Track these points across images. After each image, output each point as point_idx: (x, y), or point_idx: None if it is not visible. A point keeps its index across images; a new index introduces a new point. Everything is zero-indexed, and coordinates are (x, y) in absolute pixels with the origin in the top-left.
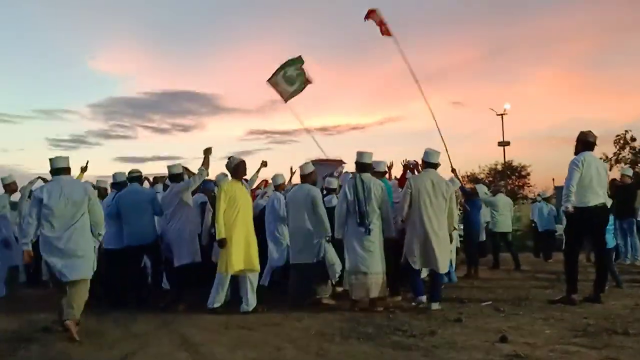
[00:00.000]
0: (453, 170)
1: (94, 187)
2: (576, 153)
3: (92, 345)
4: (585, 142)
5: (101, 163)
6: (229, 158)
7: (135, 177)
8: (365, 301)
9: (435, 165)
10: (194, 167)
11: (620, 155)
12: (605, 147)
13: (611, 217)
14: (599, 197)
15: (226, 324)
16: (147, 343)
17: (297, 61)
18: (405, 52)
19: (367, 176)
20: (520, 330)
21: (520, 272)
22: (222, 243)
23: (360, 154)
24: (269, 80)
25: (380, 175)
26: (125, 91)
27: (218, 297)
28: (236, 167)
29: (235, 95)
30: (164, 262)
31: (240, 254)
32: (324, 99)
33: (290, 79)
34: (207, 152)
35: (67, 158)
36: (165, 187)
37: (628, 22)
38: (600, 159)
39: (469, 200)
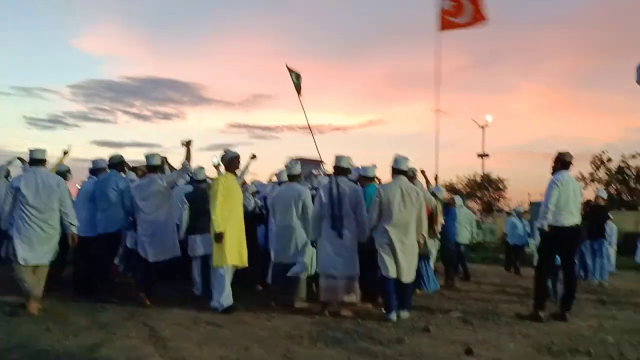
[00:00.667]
0: (422, 172)
1: (69, 171)
2: (554, 172)
3: (57, 334)
4: (563, 162)
5: (78, 145)
6: (225, 151)
7: (116, 164)
8: (335, 305)
9: (404, 172)
10: (173, 156)
11: (596, 175)
12: (581, 166)
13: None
14: (574, 217)
15: (195, 320)
16: (114, 334)
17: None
18: (394, 58)
19: (343, 180)
20: (486, 344)
21: (490, 285)
22: (220, 237)
23: (338, 158)
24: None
25: (369, 180)
26: (107, 74)
27: (225, 294)
28: (231, 161)
29: (218, 87)
30: (131, 253)
31: (234, 248)
32: (308, 97)
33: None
34: (188, 144)
35: (44, 151)
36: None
37: (612, 44)
38: (575, 177)
39: (445, 209)
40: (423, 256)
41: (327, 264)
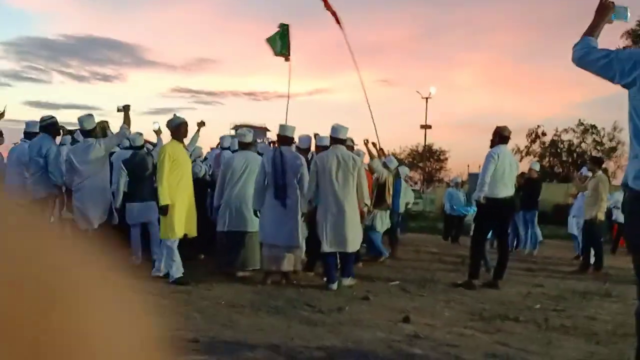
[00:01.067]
0: (373, 144)
1: (1, 134)
2: (492, 146)
3: None
4: (501, 136)
5: (10, 105)
6: (173, 116)
7: (46, 126)
8: (277, 274)
9: (342, 141)
10: (113, 119)
11: (531, 149)
12: (517, 139)
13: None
14: (508, 189)
15: (134, 289)
16: None
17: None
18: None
19: (287, 149)
20: (422, 311)
21: (429, 254)
22: (165, 210)
23: (282, 127)
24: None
25: (305, 152)
26: (41, 31)
27: (176, 266)
28: (177, 127)
29: (161, 49)
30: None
31: (182, 219)
32: (253, 63)
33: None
34: (127, 109)
35: None
36: (74, 140)
37: (554, 20)
38: (512, 150)
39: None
40: (370, 228)
41: (270, 234)
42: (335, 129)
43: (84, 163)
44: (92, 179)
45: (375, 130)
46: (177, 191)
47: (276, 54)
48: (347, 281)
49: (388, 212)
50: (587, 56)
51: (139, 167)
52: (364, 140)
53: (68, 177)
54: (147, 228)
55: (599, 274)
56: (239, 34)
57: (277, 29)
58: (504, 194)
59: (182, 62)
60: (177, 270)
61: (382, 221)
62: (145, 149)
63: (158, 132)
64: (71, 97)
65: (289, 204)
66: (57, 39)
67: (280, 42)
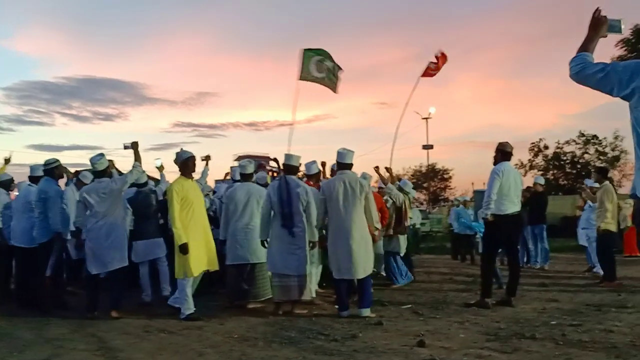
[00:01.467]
0: (387, 169)
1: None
2: (495, 163)
3: (1, 350)
4: (504, 153)
5: (14, 150)
6: (180, 150)
7: (50, 170)
8: (288, 304)
9: (349, 166)
10: (117, 158)
11: (534, 162)
12: (520, 154)
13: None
14: (515, 205)
15: (146, 328)
16: (62, 348)
17: (336, 66)
18: (336, 51)
19: (292, 178)
20: (437, 334)
21: (439, 275)
22: (184, 249)
23: (287, 157)
24: (304, 49)
25: (314, 178)
26: (42, 75)
27: (187, 305)
28: (185, 163)
29: (160, 86)
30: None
31: (201, 255)
32: (253, 94)
33: (321, 67)
34: (135, 146)
35: None
36: (79, 181)
37: (545, 34)
38: (515, 165)
39: None
40: (391, 252)
41: (280, 264)
42: (341, 154)
43: (100, 203)
44: (108, 219)
45: (391, 155)
46: (189, 229)
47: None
48: (365, 312)
49: (405, 236)
50: (583, 71)
51: (143, 205)
52: (375, 168)
53: (82, 218)
54: (156, 265)
55: (611, 285)
56: (237, 66)
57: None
58: (511, 210)
59: (183, 97)
60: (188, 308)
61: (402, 244)
62: (148, 186)
63: (160, 169)
64: (74, 138)
65: (297, 232)
66: (58, 81)
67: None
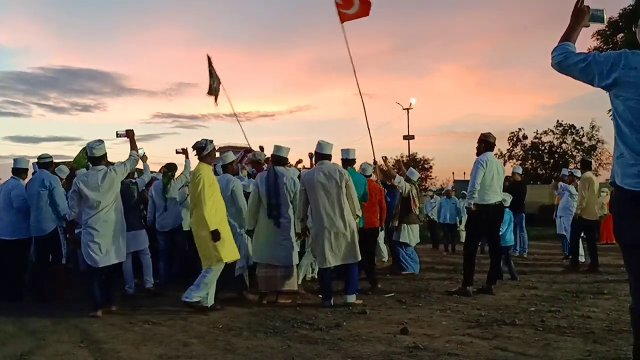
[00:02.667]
0: (383, 158)
1: None
2: (479, 153)
3: None
4: (487, 143)
5: None
6: (201, 140)
7: (46, 164)
8: (273, 294)
9: (328, 157)
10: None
11: (513, 152)
12: (499, 144)
13: (510, 215)
14: (498, 195)
15: (130, 319)
16: (44, 340)
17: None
18: (317, 42)
19: (280, 169)
20: (419, 322)
21: (421, 263)
22: (217, 234)
23: (277, 148)
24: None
25: (350, 163)
26: (18, 65)
27: (210, 296)
28: (212, 152)
29: (139, 76)
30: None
31: (228, 244)
32: (234, 85)
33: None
34: (131, 134)
35: None
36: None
37: (525, 24)
38: (495, 154)
39: (389, 192)
40: (400, 242)
41: (265, 254)
42: (320, 145)
43: (98, 193)
44: (106, 211)
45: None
46: (217, 217)
47: None
48: (351, 298)
49: (417, 225)
50: (565, 61)
51: (125, 196)
52: (382, 157)
53: (77, 209)
54: (139, 256)
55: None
56: (217, 57)
57: None
58: (494, 200)
59: (162, 88)
60: (211, 298)
61: (411, 234)
62: (129, 178)
63: (144, 159)
64: (52, 129)
65: (283, 223)
66: (34, 71)
67: None
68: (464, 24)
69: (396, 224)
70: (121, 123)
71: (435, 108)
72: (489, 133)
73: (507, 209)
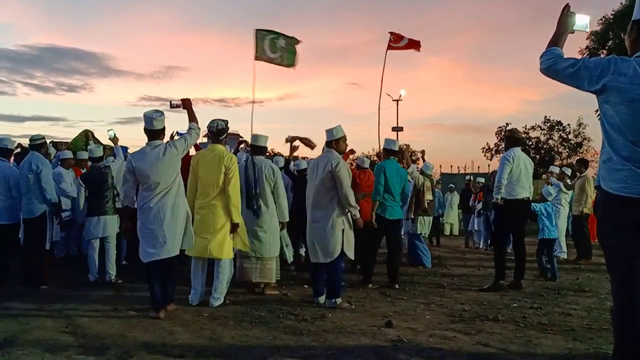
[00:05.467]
0: (407, 147)
1: None
2: (506, 149)
3: None
4: (514, 139)
5: None
6: (224, 122)
7: (38, 145)
8: (259, 285)
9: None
10: (79, 130)
11: (500, 147)
12: (487, 137)
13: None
14: (526, 190)
15: (115, 305)
16: (28, 325)
17: (293, 39)
18: (305, 32)
19: (259, 159)
20: (403, 315)
21: (404, 256)
22: (236, 227)
23: (254, 137)
24: (257, 29)
25: (392, 154)
26: (2, 42)
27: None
28: (226, 132)
29: (127, 58)
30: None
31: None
32: (223, 70)
33: (275, 46)
34: (188, 104)
35: None
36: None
37: (512, 19)
38: (482, 148)
39: None
40: (415, 234)
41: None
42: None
43: (156, 172)
44: (166, 193)
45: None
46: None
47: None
48: (331, 302)
49: (430, 217)
50: (554, 65)
51: (97, 180)
52: (404, 146)
53: (130, 192)
54: (104, 244)
55: (588, 263)
56: (207, 41)
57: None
58: (522, 195)
59: (150, 70)
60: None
61: (424, 226)
62: (103, 161)
63: (115, 141)
64: (37, 108)
65: (263, 213)
66: (19, 49)
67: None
68: (452, 18)
69: (412, 216)
70: (108, 105)
71: (423, 100)
72: (515, 129)
73: (549, 203)
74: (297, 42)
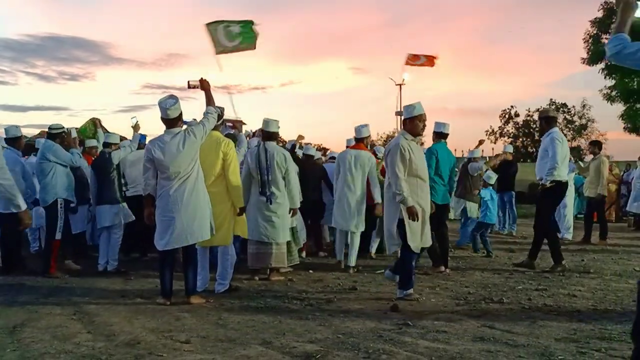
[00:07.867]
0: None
1: None
2: (543, 131)
3: None
4: (552, 119)
5: None
6: (220, 108)
7: (54, 135)
8: (265, 270)
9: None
10: (81, 120)
11: (504, 130)
12: (491, 120)
13: (493, 192)
14: (567, 172)
15: (123, 293)
16: (37, 313)
17: (247, 22)
18: (310, 16)
19: (271, 144)
20: (409, 299)
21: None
22: (243, 211)
23: (266, 122)
24: (206, 24)
25: (442, 137)
26: (4, 32)
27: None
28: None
29: (129, 46)
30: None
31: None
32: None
33: (231, 34)
34: (206, 85)
35: None
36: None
37: (518, 3)
38: (486, 131)
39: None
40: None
41: (257, 231)
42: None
43: (176, 163)
44: (185, 179)
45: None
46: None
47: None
48: (402, 293)
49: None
50: (623, 50)
51: (101, 168)
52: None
53: (152, 182)
54: (111, 232)
55: (603, 243)
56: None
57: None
58: (567, 177)
59: (152, 58)
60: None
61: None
62: (110, 147)
63: (136, 128)
64: (39, 98)
65: (275, 200)
66: (21, 38)
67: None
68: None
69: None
70: (111, 93)
71: (427, 84)
72: (548, 108)
73: (490, 187)
74: (253, 23)
